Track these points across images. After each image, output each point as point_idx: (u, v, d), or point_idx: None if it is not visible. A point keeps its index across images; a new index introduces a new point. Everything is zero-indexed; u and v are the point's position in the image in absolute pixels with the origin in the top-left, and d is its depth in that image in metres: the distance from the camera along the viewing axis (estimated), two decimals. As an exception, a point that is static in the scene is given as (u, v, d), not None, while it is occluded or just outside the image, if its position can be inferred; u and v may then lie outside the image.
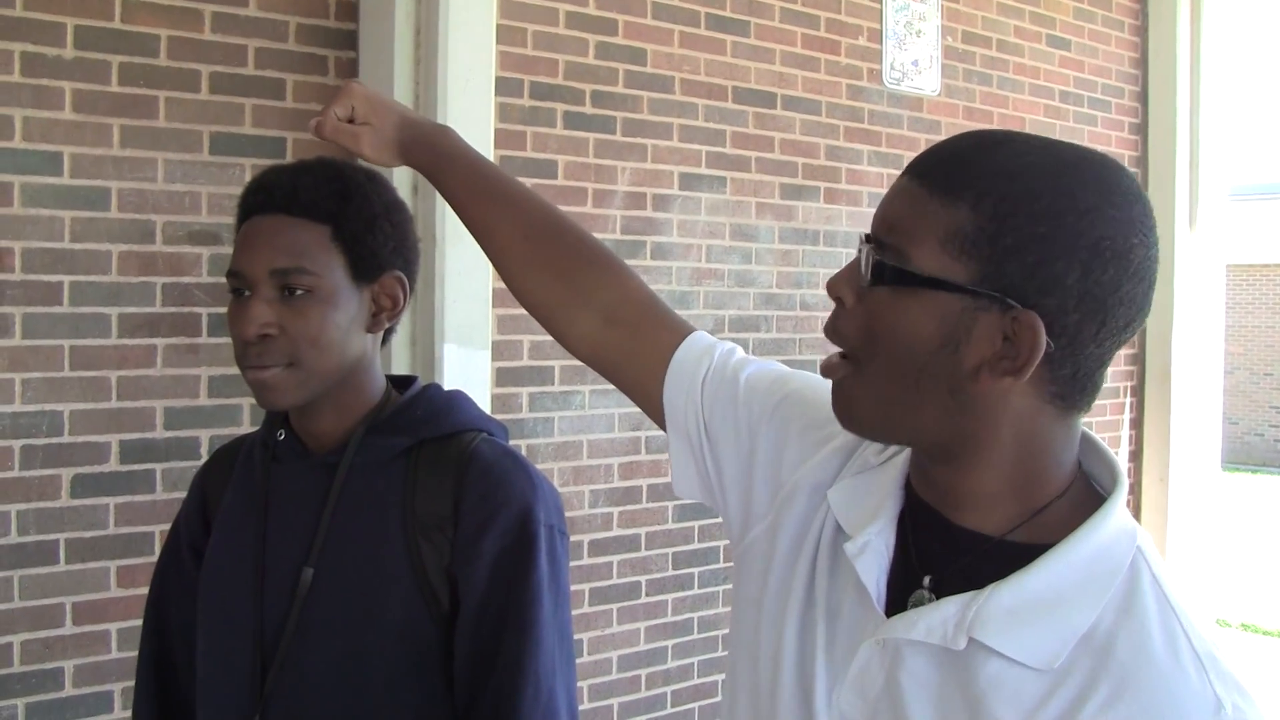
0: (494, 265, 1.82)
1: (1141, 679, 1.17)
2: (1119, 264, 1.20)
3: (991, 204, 1.22)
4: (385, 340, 2.07)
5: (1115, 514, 1.28)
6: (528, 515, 1.93)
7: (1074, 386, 1.26)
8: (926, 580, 1.32)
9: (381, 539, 1.94)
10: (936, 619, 1.26)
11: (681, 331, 1.66)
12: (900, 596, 1.33)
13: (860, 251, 1.30)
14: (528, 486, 1.96)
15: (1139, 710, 1.16)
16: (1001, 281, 1.21)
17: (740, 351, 1.66)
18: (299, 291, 1.90)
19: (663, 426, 1.64)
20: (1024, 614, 1.22)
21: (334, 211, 1.93)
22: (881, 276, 1.27)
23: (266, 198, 1.95)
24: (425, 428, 2.01)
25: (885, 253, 1.27)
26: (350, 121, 1.92)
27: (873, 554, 1.35)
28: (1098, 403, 5.42)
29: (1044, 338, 1.20)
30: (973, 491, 1.30)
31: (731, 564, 1.58)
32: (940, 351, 1.24)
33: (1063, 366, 1.24)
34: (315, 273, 1.90)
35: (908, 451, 1.40)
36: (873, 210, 1.34)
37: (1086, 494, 1.32)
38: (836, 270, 1.33)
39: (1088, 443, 1.37)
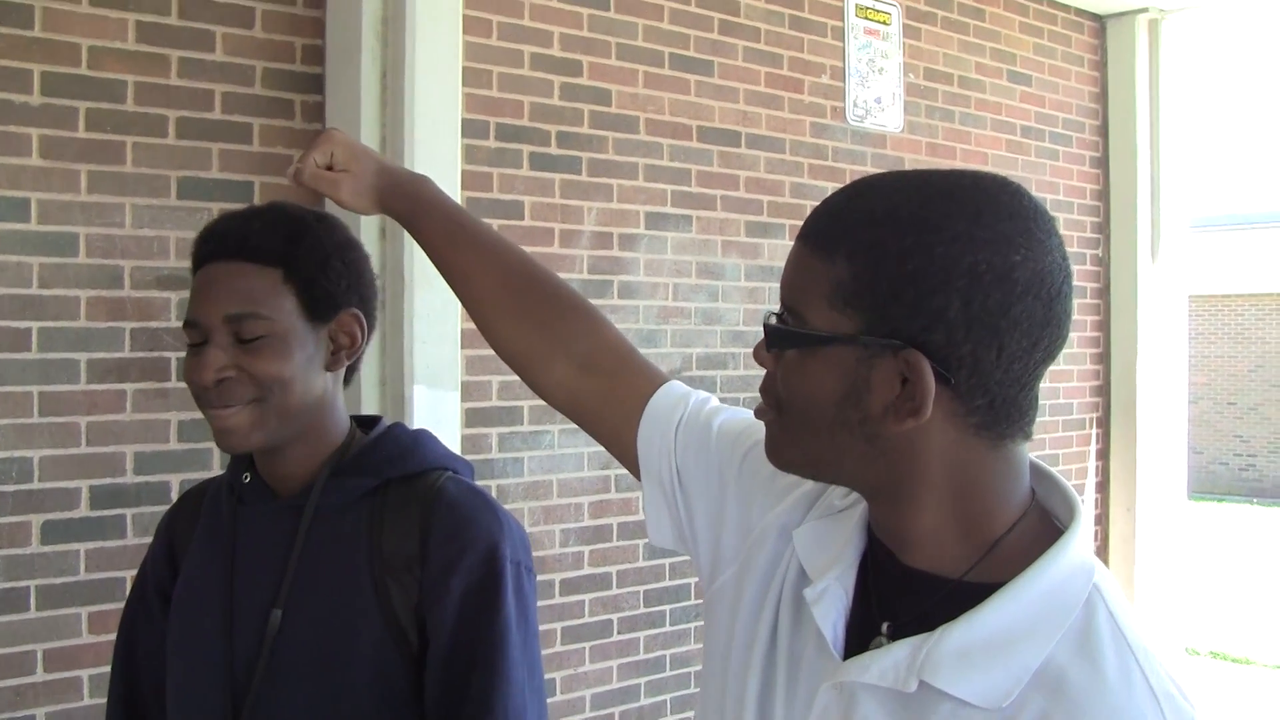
0: (470, 313, 1.83)
1: (1094, 710, 1.15)
2: (1002, 285, 1.19)
3: (863, 252, 1.23)
4: (348, 380, 2.09)
5: (1071, 549, 1.26)
6: (494, 552, 1.94)
7: (996, 415, 1.25)
8: (884, 626, 1.31)
9: (349, 580, 1.94)
10: (889, 662, 1.25)
11: (657, 380, 1.68)
12: (861, 642, 1.32)
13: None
14: (494, 524, 1.97)
15: None
16: (887, 326, 1.22)
17: (714, 400, 1.68)
18: (254, 337, 1.91)
19: (636, 475, 1.66)
20: (974, 655, 1.21)
21: (284, 254, 1.94)
22: (778, 341, 1.30)
23: (218, 245, 1.96)
24: (390, 467, 2.02)
25: (786, 318, 1.30)
26: (330, 169, 1.94)
27: (831, 599, 1.34)
28: (1063, 435, 5.43)
29: (930, 375, 1.21)
30: (916, 532, 1.30)
31: (702, 600, 1.60)
32: (845, 404, 1.25)
33: (974, 397, 1.23)
34: (268, 317, 1.91)
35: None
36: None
37: (1042, 528, 1.30)
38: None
39: (1042, 476, 1.35)
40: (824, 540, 1.41)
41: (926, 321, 1.20)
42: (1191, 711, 1.19)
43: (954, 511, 1.28)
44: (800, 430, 1.31)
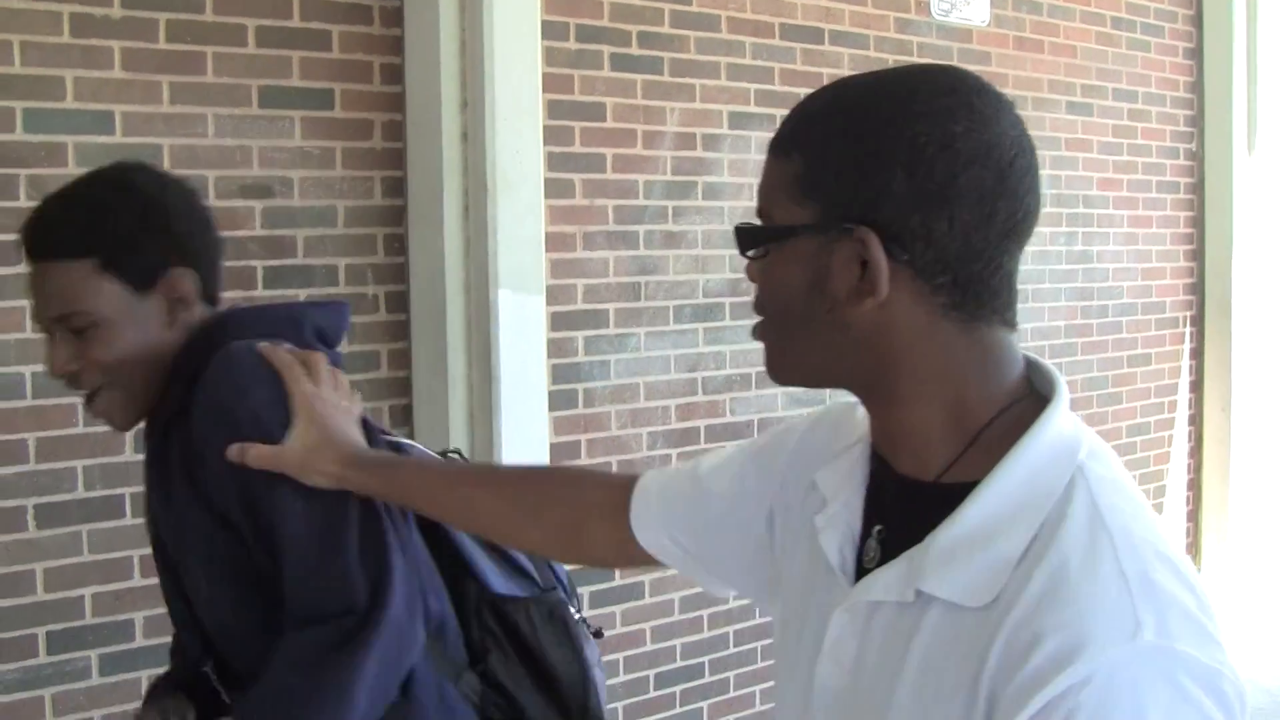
0: (494, 538, 1.98)
1: (1060, 598, 1.14)
2: (944, 155, 1.21)
3: (812, 144, 1.28)
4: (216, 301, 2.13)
5: (1049, 430, 1.25)
6: (215, 395, 1.95)
7: (964, 294, 1.25)
8: (876, 530, 1.34)
9: (179, 480, 2.00)
10: (892, 576, 1.27)
11: (630, 486, 1.74)
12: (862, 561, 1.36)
13: None
14: (224, 372, 1.96)
15: (1050, 628, 1.12)
16: (839, 211, 1.25)
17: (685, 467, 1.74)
18: (83, 328, 1.95)
19: (660, 564, 1.74)
20: (958, 554, 1.21)
21: (89, 244, 1.96)
22: (746, 243, 1.35)
23: (26, 246, 2.00)
24: (192, 362, 2.02)
25: (753, 223, 1.35)
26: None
27: (835, 524, 1.38)
28: (1155, 333, 5.34)
29: (879, 250, 1.23)
30: (904, 429, 1.32)
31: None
32: (811, 294, 1.28)
33: (935, 274, 1.24)
34: (90, 310, 1.95)
35: None
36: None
37: (1030, 415, 1.27)
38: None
39: (1034, 366, 1.33)
40: (840, 470, 1.44)
41: (873, 199, 1.23)
42: (1171, 592, 1.14)
43: (936, 401, 1.29)
44: (782, 333, 1.34)
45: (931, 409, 1.28)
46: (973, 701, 1.16)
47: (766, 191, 1.33)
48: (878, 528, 1.34)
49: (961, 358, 1.27)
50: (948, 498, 1.25)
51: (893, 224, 1.22)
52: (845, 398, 1.43)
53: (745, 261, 1.36)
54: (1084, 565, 1.15)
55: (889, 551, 1.30)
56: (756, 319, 1.38)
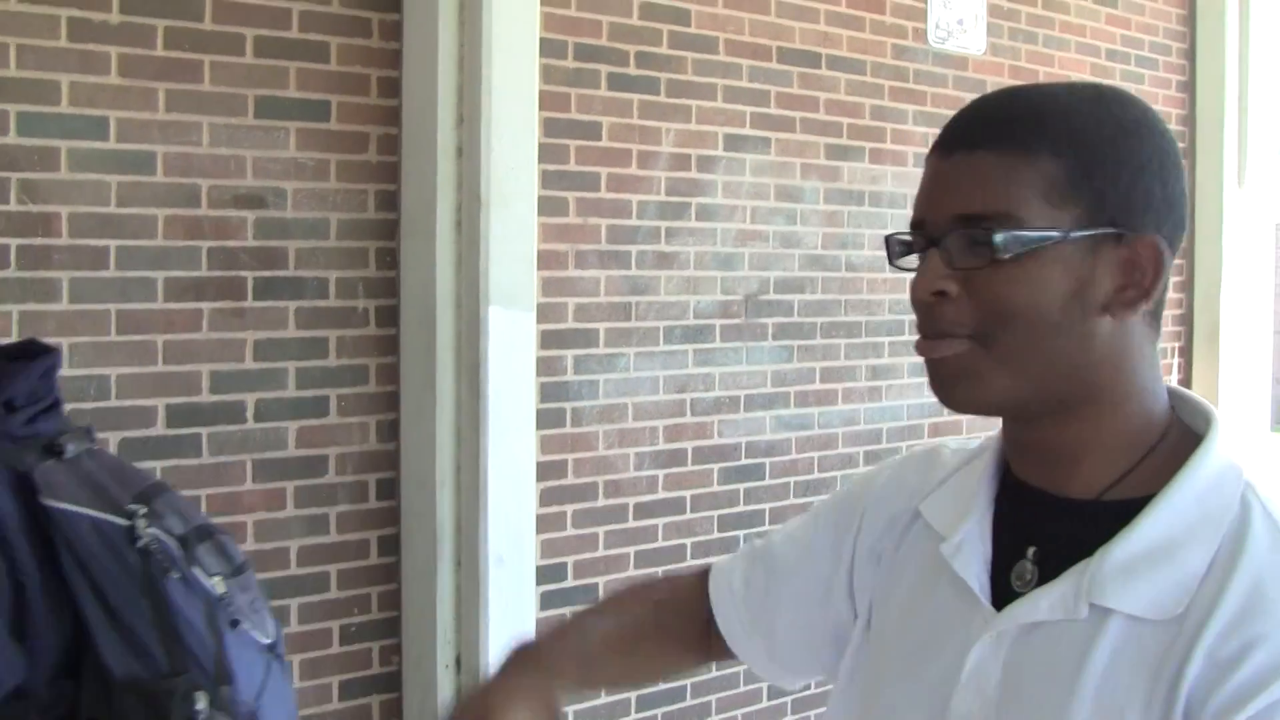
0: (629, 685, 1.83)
1: (1257, 607, 1.17)
2: (1179, 169, 1.27)
3: (1068, 146, 1.24)
4: None
5: (1214, 452, 1.27)
6: None
7: (1160, 304, 1.28)
8: (1030, 552, 1.31)
9: None
10: (1056, 595, 1.25)
11: (702, 586, 1.67)
12: (1001, 585, 1.32)
13: (941, 244, 1.26)
14: None
15: (1260, 636, 1.15)
16: (1107, 215, 1.23)
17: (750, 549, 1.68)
18: None
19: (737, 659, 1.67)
20: (1138, 568, 1.22)
21: None
22: (998, 250, 1.23)
23: None
24: None
25: (992, 226, 1.23)
26: None
27: (969, 550, 1.35)
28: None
29: (1168, 255, 1.25)
30: (1085, 446, 1.29)
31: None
32: (1071, 302, 1.24)
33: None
34: None
35: (995, 442, 1.40)
36: (918, 169, 1.33)
37: (1186, 440, 1.29)
38: (882, 231, 1.34)
39: (1176, 394, 1.35)
40: (953, 498, 1.41)
41: (1140, 205, 1.24)
42: None
43: (1126, 415, 1.29)
44: (1017, 346, 1.25)
45: (1119, 423, 1.29)
46: (1167, 710, 1.17)
47: (1004, 194, 1.23)
48: (1032, 549, 1.31)
49: (1150, 371, 1.30)
50: (1114, 514, 1.26)
51: (1156, 230, 1.25)
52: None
53: (874, 236, 1.32)
54: (1276, 579, 1.19)
55: (1048, 571, 1.28)
56: (937, 338, 1.29)
